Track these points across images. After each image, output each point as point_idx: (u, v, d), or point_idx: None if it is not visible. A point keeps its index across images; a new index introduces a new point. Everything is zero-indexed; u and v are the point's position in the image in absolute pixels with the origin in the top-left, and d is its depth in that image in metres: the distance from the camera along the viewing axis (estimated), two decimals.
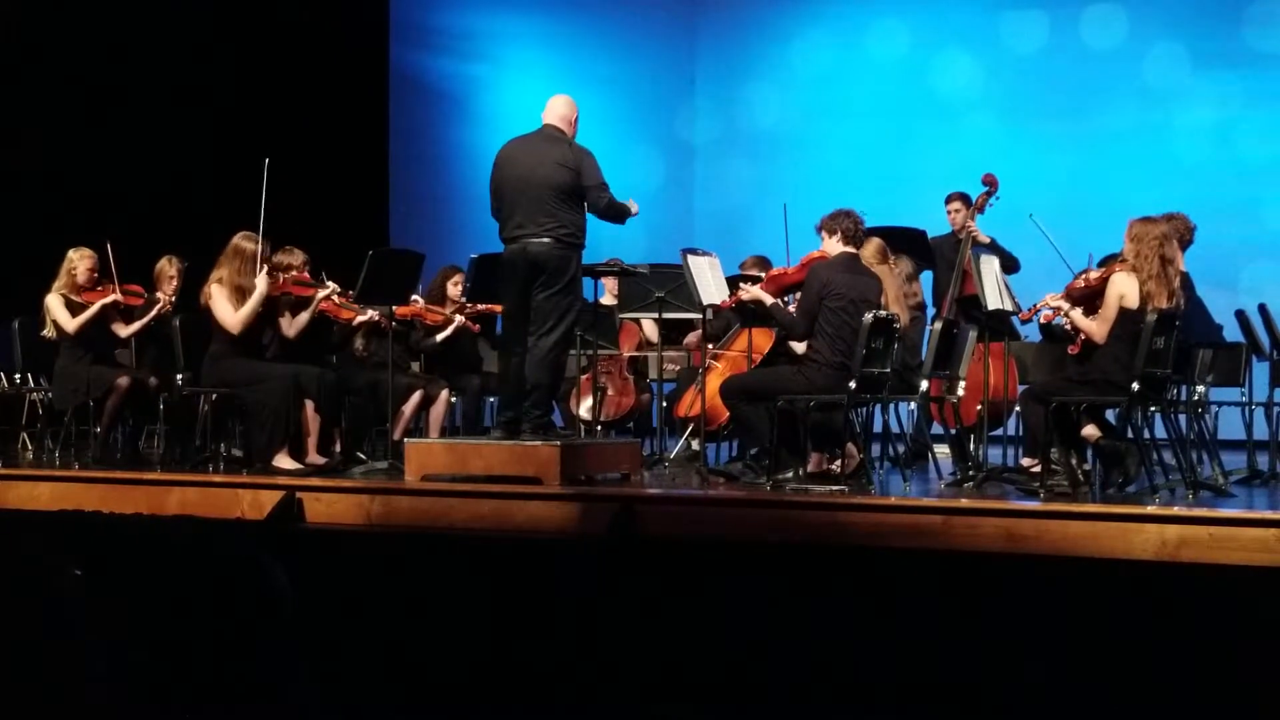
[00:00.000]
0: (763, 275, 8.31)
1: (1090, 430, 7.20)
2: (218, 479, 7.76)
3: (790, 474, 7.50)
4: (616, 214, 7.67)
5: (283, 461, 7.95)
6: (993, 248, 9.27)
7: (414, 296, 8.98)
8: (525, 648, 6.09)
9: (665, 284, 8.64)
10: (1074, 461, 7.21)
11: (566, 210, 7.53)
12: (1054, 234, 8.00)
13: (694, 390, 8.90)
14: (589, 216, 7.68)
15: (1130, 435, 7.21)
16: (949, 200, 9.88)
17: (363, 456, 8.50)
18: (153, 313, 8.86)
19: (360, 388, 8.65)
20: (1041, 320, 8.13)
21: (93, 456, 8.65)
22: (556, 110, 7.77)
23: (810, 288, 7.61)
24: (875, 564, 6.24)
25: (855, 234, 7.75)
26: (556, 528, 6.83)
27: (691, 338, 9.71)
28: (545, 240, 7.50)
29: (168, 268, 9.10)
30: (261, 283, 8.15)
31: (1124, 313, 7.01)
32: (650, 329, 9.84)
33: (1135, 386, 6.85)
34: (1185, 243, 7.77)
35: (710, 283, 8.29)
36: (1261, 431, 8.58)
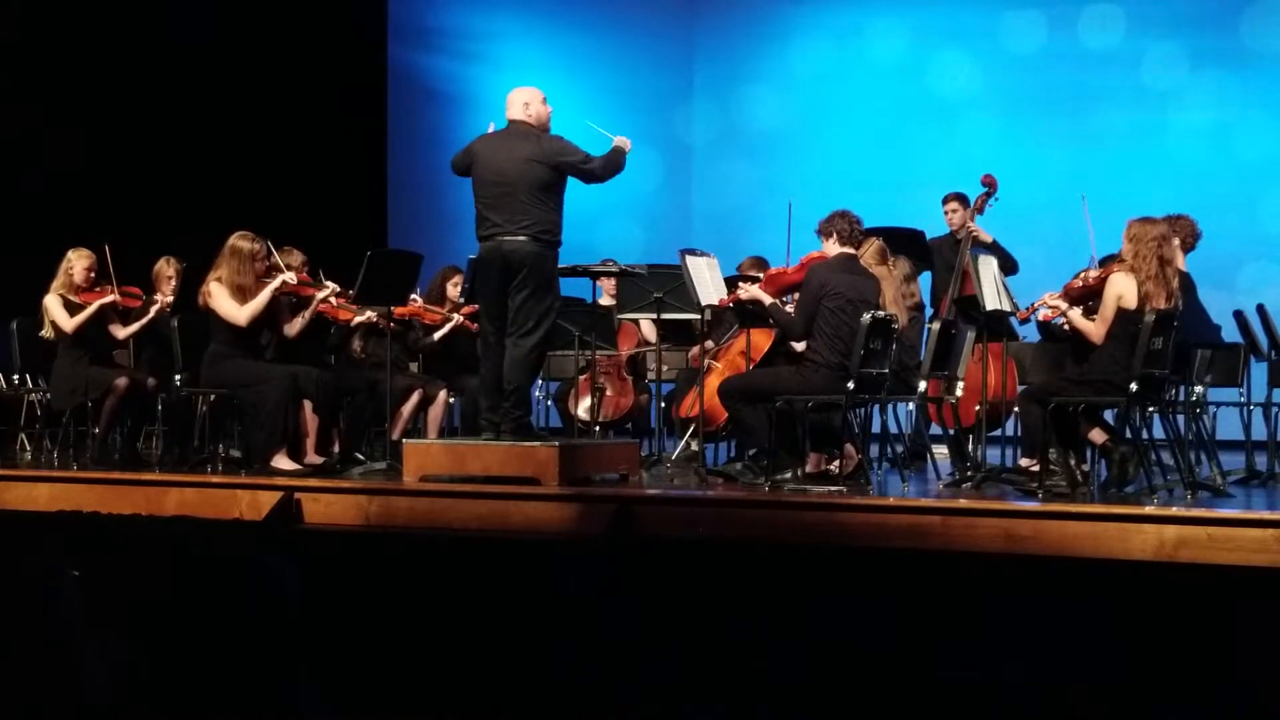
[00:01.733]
0: (760, 276, 8.31)
1: (1096, 434, 7.20)
2: (216, 480, 7.76)
3: (789, 474, 7.50)
4: (614, 166, 7.61)
5: (281, 462, 7.94)
6: (994, 248, 9.27)
7: (412, 297, 8.98)
8: (523, 648, 6.08)
9: (664, 284, 8.63)
10: (1072, 462, 7.21)
11: (541, 208, 7.49)
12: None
13: (694, 391, 8.90)
14: (599, 184, 7.66)
15: (1129, 436, 7.21)
16: (946, 201, 9.88)
17: (361, 457, 8.50)
18: (150, 314, 8.86)
19: (358, 388, 8.65)
20: (1040, 319, 8.14)
21: (91, 457, 8.65)
22: (519, 103, 7.69)
23: (809, 287, 7.61)
24: (874, 564, 6.24)
25: (851, 234, 7.75)
26: (555, 528, 6.83)
27: (694, 351, 9.71)
28: (520, 239, 7.47)
29: (166, 268, 9.10)
30: (288, 275, 8.18)
31: (1122, 313, 7.01)
32: (649, 329, 9.83)
33: (1133, 387, 6.86)
34: (1189, 245, 7.77)
35: (709, 283, 8.29)
36: (1260, 432, 8.57)
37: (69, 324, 8.66)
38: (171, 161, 11.88)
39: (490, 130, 7.77)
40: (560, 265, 7.83)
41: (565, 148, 7.55)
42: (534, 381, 7.98)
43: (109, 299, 8.78)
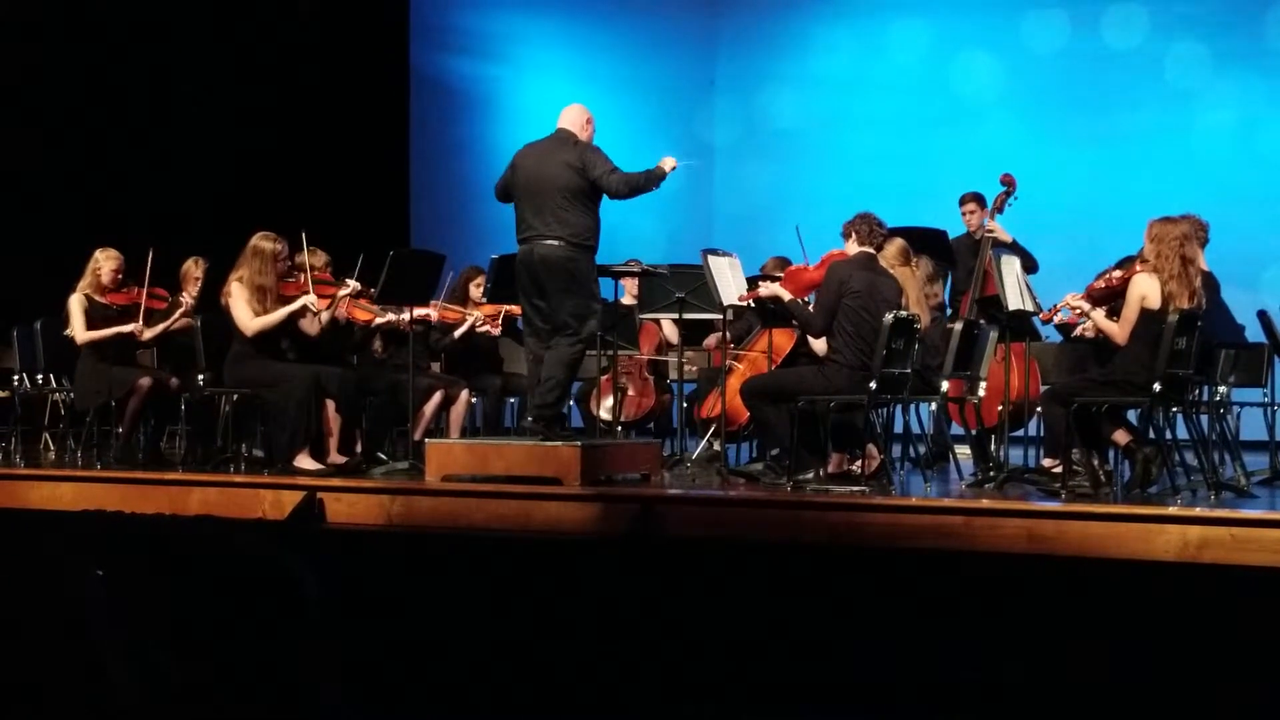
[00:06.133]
0: (783, 276, 8.31)
1: (1119, 435, 7.18)
2: (239, 479, 7.78)
3: (811, 475, 7.50)
4: (644, 184, 7.59)
5: (304, 462, 7.96)
6: (1014, 247, 9.26)
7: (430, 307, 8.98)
8: (545, 648, 6.09)
9: (685, 284, 8.63)
10: (1095, 462, 7.19)
11: (575, 212, 7.53)
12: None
13: (715, 391, 8.90)
14: (621, 200, 7.67)
15: (1152, 436, 7.19)
16: (964, 201, 9.87)
17: (383, 457, 8.51)
18: (174, 317, 8.86)
19: (380, 389, 8.66)
20: (1058, 321, 8.12)
21: (114, 457, 8.67)
22: (569, 116, 7.81)
23: (828, 285, 7.61)
24: (896, 565, 6.23)
25: (871, 235, 7.76)
26: (577, 528, 6.84)
27: (711, 340, 9.71)
28: (553, 242, 7.52)
29: (193, 269, 9.13)
30: (309, 299, 8.18)
31: (1145, 313, 6.99)
32: (670, 330, 9.84)
33: (1157, 387, 6.84)
34: (1200, 242, 7.74)
35: (730, 283, 8.29)
36: None
37: (82, 337, 8.67)
38: (195, 162, 11.92)
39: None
40: None
41: (598, 157, 7.59)
42: (572, 379, 7.97)
43: (130, 327, 8.74)
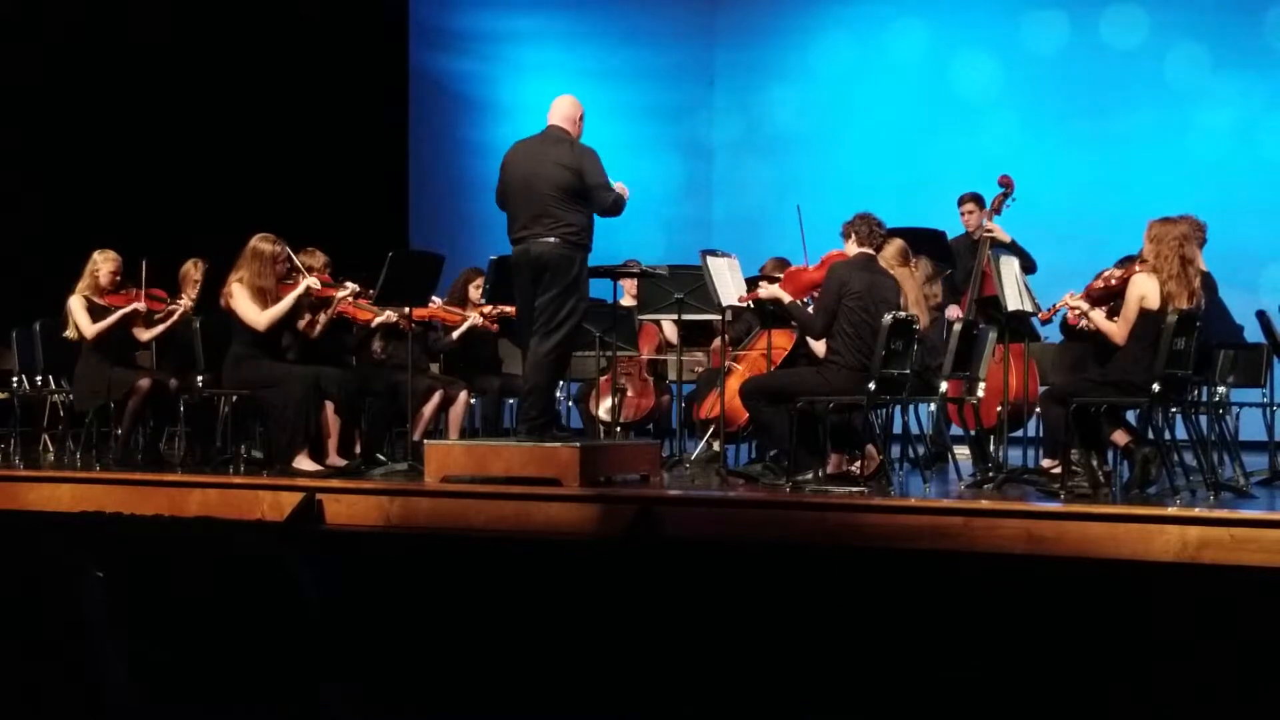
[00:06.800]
0: (782, 277, 8.31)
1: (1118, 435, 7.18)
2: (238, 480, 7.78)
3: (810, 475, 7.49)
4: (620, 206, 7.64)
5: (303, 463, 7.96)
6: (1013, 248, 9.25)
7: (432, 300, 8.98)
8: (544, 649, 6.09)
9: (685, 285, 8.62)
10: (1094, 463, 7.19)
11: (569, 211, 7.50)
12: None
13: (714, 392, 8.90)
14: (598, 216, 7.67)
15: (1151, 436, 7.19)
16: (962, 202, 9.86)
17: (382, 458, 8.51)
18: (174, 318, 8.86)
19: (380, 389, 8.66)
20: (1062, 320, 8.12)
21: (113, 458, 8.66)
22: (561, 110, 7.75)
23: (828, 286, 7.61)
24: (895, 565, 6.23)
25: (870, 235, 7.76)
26: (576, 529, 6.83)
27: (715, 344, 9.71)
28: (548, 240, 7.49)
29: (193, 271, 9.14)
30: (311, 280, 8.20)
31: (1145, 314, 6.99)
32: (670, 330, 9.83)
33: (1156, 387, 6.84)
34: (1199, 243, 7.74)
35: (730, 284, 8.28)
36: None
37: (90, 330, 8.67)
38: (194, 162, 11.92)
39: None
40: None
41: (595, 165, 7.55)
42: (555, 382, 7.97)
43: (132, 307, 8.75)
